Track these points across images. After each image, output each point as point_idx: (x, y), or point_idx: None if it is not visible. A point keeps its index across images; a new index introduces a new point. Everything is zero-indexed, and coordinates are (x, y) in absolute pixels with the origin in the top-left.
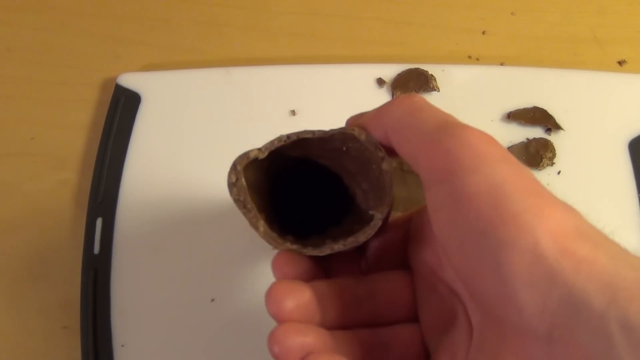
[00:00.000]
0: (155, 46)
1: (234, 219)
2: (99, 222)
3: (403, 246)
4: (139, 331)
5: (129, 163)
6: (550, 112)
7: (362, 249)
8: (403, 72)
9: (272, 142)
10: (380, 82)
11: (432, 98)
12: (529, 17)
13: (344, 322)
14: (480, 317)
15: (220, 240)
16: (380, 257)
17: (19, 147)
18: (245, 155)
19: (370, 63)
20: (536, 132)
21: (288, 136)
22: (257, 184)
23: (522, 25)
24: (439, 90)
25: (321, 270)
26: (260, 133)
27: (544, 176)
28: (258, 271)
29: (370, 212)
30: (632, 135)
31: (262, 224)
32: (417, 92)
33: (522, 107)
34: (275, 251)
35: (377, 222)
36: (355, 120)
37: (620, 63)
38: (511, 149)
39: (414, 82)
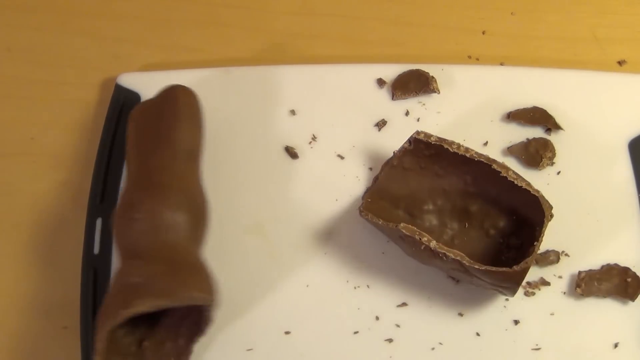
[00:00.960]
0: (155, 46)
1: (226, 216)
2: (99, 222)
3: None
4: None
5: None
6: (550, 112)
7: None
8: (403, 73)
9: None
10: (380, 82)
11: (432, 99)
12: (529, 17)
13: None
14: None
15: (217, 239)
16: None
17: (19, 147)
18: None
19: (370, 63)
20: (536, 132)
21: None
22: None
23: (522, 25)
24: (439, 92)
25: None
26: (260, 133)
27: (544, 176)
28: (259, 276)
29: None
30: (632, 135)
31: None
32: (417, 94)
33: (522, 107)
34: None
35: None
36: None
37: (620, 63)
38: (511, 149)
39: (415, 83)
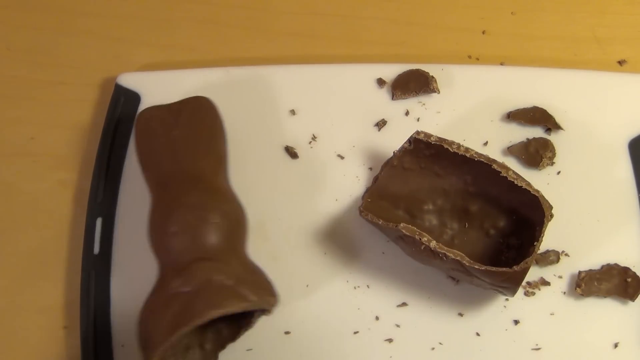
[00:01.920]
0: (155, 46)
1: None
2: (99, 222)
3: None
4: None
5: (128, 163)
6: (550, 112)
7: None
8: (403, 72)
9: None
10: (380, 82)
11: (432, 99)
12: (529, 17)
13: None
14: None
15: None
16: None
17: (19, 147)
18: None
19: (370, 63)
20: (536, 132)
21: None
22: None
23: (522, 25)
24: (439, 92)
25: None
26: (260, 133)
27: (544, 176)
28: None
29: None
30: (632, 135)
31: None
32: (417, 94)
33: (522, 107)
34: None
35: None
36: None
37: (620, 63)
38: (511, 149)
39: (415, 83)
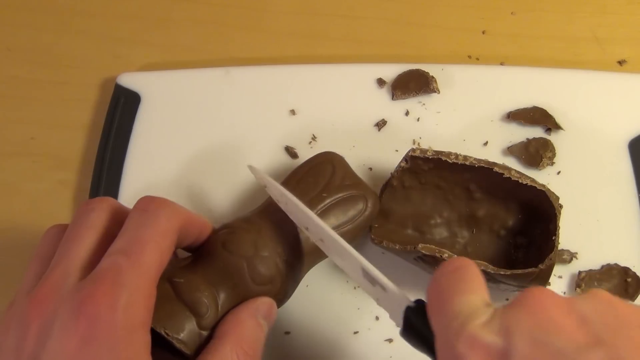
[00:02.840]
0: (155, 46)
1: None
2: None
3: None
4: None
5: (128, 163)
6: (550, 112)
7: None
8: (404, 72)
9: None
10: (380, 82)
11: (432, 99)
12: (529, 17)
13: None
14: None
15: None
16: None
17: (19, 147)
18: None
19: (370, 63)
20: (536, 132)
21: None
22: None
23: (522, 25)
24: (439, 92)
25: None
26: (260, 133)
27: (544, 176)
28: None
29: None
30: (632, 135)
31: None
32: (417, 94)
33: (522, 107)
34: None
35: None
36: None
37: (620, 63)
38: (511, 149)
39: (415, 83)
